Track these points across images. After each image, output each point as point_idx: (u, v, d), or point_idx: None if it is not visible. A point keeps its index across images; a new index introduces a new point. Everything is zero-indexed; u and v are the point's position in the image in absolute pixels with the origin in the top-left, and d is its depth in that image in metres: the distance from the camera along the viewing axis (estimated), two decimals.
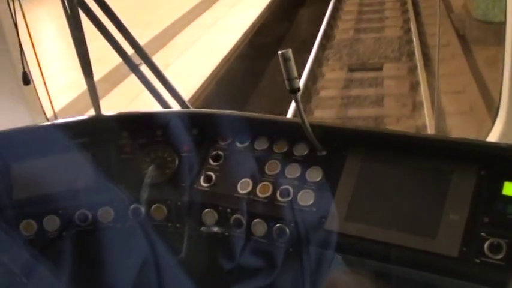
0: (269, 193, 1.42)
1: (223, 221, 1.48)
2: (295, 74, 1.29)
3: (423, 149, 1.31)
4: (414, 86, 7.35)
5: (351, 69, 8.24)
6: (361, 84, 7.58)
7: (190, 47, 9.45)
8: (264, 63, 8.20)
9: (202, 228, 1.50)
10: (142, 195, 1.56)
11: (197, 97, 7.24)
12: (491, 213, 1.18)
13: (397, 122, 6.39)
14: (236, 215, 1.45)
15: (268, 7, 11.58)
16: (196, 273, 1.51)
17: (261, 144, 1.51)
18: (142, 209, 1.55)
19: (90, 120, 1.73)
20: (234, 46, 9.34)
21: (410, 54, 8.63)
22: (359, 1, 11.71)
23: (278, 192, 1.41)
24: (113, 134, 1.64)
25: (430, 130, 5.57)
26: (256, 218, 1.43)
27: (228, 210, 1.47)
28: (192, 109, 1.76)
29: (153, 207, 1.56)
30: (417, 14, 10.38)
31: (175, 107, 1.82)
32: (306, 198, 1.38)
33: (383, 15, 10.85)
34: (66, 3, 1.54)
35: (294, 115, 5.52)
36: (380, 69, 8.17)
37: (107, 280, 1.54)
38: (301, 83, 6.85)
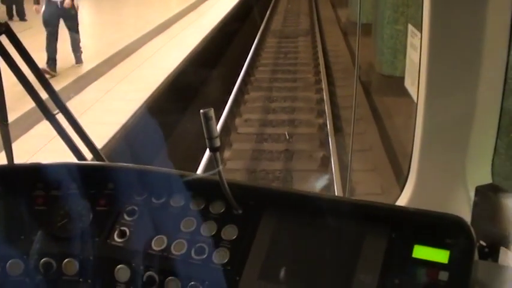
0: (184, 250, 1.41)
1: (136, 278, 1.44)
2: (216, 133, 1.29)
3: (336, 210, 1.33)
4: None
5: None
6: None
7: None
8: None
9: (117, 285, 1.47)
10: (53, 249, 1.53)
11: None
12: (402, 275, 1.21)
13: None
14: (149, 272, 1.42)
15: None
16: None
17: (178, 201, 1.49)
18: (54, 263, 1.51)
19: (2, 169, 1.68)
20: None
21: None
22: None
23: (193, 250, 1.40)
24: (26, 184, 1.60)
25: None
26: (170, 276, 1.41)
27: (141, 267, 1.44)
28: (108, 163, 1.75)
29: (64, 262, 1.51)
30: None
31: (90, 159, 1.81)
32: (221, 256, 1.37)
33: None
34: None
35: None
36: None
37: None
38: None
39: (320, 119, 8.63)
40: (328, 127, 7.88)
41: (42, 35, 12.14)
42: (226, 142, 7.74)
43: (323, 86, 10.08)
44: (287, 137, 8.00)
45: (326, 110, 8.67)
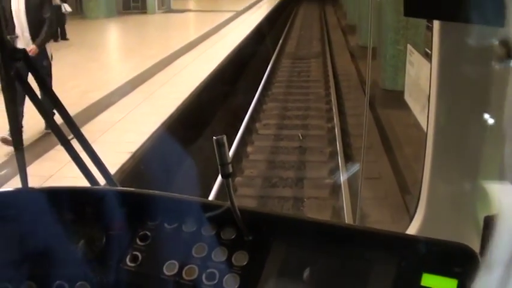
0: (195, 276, 1.41)
1: None
2: (228, 159, 1.32)
3: (346, 238, 1.35)
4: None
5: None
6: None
7: None
8: None
9: None
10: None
11: None
12: None
13: None
14: None
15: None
16: None
17: (190, 227, 1.48)
18: (67, 286, 1.53)
19: (17, 192, 1.71)
20: None
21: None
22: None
23: (204, 275, 1.40)
24: (40, 208, 1.62)
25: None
26: None
27: None
28: (122, 188, 1.76)
29: (77, 285, 1.52)
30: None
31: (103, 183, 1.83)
32: (231, 282, 1.37)
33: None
34: (2, 76, 1.56)
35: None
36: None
37: None
38: None
39: (329, 124, 9.99)
40: (336, 132, 9.20)
41: (82, 49, 13.80)
42: (249, 140, 9.11)
43: (332, 98, 11.48)
44: (300, 138, 9.35)
45: (334, 118, 10.05)
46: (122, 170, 5.72)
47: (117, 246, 1.52)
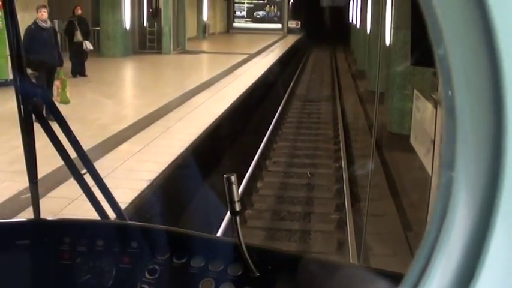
0: None
1: None
2: (237, 197, 1.34)
3: (350, 278, 1.35)
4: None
5: None
6: None
7: None
8: None
9: None
10: None
11: None
12: None
13: None
14: None
15: None
16: None
17: (198, 262, 1.50)
18: None
19: (30, 223, 1.74)
20: None
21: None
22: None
23: None
24: (52, 238, 1.64)
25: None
26: None
27: None
28: (132, 222, 1.79)
29: None
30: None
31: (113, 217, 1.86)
32: None
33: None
34: (20, 110, 1.60)
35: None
36: None
37: None
38: None
39: (336, 163, 10.36)
40: (344, 171, 9.56)
41: (101, 86, 14.35)
42: (259, 176, 9.48)
43: (340, 139, 11.88)
44: (309, 175, 9.70)
45: (342, 155, 10.43)
46: (140, 196, 6.07)
47: (126, 280, 1.54)
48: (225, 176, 1.32)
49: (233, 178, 1.32)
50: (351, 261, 6.17)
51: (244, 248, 1.39)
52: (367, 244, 6.41)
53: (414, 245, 6.65)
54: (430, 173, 6.21)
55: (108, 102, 11.56)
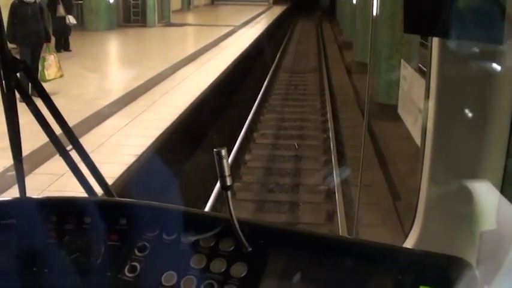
0: (193, 287, 1.41)
1: None
2: (228, 171, 1.32)
3: (343, 251, 1.37)
4: None
5: None
6: None
7: None
8: None
9: None
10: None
11: None
12: None
13: None
14: None
15: None
16: None
17: (188, 238, 1.49)
18: None
19: (16, 202, 1.71)
20: None
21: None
22: None
23: (202, 287, 1.40)
24: (39, 217, 1.62)
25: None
26: None
27: None
28: (121, 199, 1.77)
29: None
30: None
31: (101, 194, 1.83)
32: None
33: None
34: (2, 86, 1.56)
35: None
36: None
37: None
38: None
39: (324, 134, 10.37)
40: (331, 142, 9.57)
41: (85, 60, 14.19)
42: (247, 149, 9.47)
43: (327, 110, 11.87)
44: (296, 147, 9.71)
45: (329, 126, 10.44)
46: (129, 169, 6.05)
47: (115, 257, 1.52)
48: (215, 149, 1.30)
49: (223, 152, 1.30)
50: (340, 232, 6.27)
51: (236, 223, 1.37)
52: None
53: (403, 214, 6.73)
54: (417, 142, 6.25)
55: (93, 77, 11.43)
